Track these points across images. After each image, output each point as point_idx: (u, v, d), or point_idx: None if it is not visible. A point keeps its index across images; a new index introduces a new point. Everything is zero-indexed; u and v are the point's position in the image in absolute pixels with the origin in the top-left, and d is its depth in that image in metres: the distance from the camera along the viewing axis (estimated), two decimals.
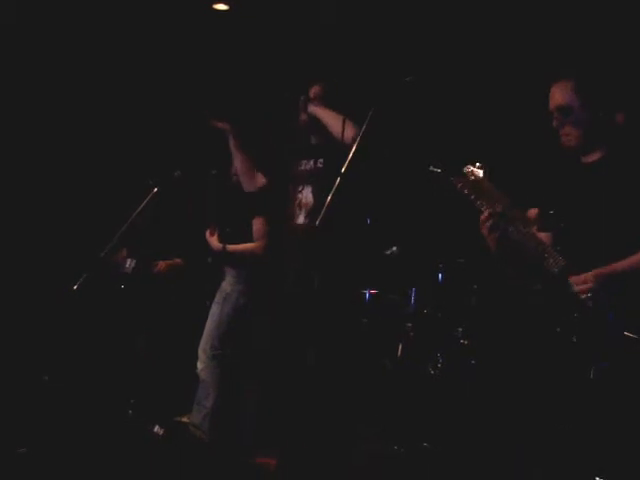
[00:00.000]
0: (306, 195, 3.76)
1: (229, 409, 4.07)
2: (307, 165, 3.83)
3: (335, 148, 3.45)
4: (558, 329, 2.78)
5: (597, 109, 2.87)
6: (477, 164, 2.86)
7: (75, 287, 3.88)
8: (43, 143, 5.40)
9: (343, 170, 2.93)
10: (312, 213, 3.65)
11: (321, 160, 3.76)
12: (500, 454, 3.27)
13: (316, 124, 3.70)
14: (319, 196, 3.64)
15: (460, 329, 4.14)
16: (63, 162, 5.44)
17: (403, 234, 4.44)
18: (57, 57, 5.31)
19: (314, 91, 3.84)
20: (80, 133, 5.50)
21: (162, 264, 4.61)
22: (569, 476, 2.75)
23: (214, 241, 4.17)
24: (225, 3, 5.38)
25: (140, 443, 3.85)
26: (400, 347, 4.31)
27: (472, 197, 2.89)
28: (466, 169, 2.86)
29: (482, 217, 2.83)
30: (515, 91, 4.30)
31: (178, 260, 4.68)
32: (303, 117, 3.78)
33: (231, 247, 4.08)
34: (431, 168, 3.12)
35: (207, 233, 4.23)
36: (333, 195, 2.88)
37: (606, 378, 2.64)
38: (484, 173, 2.85)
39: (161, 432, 3.63)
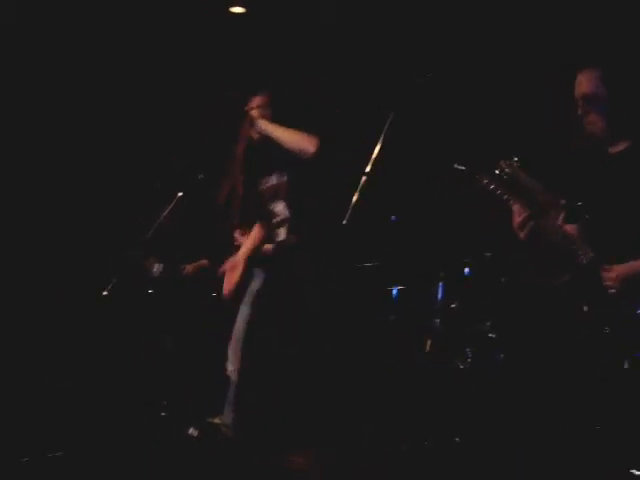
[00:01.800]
0: (282, 210, 3.69)
1: (256, 407, 4.08)
2: (269, 181, 3.75)
3: (295, 160, 3.42)
4: (590, 321, 2.77)
5: (622, 99, 2.86)
6: (514, 158, 2.86)
7: (105, 292, 3.92)
8: (64, 147, 5.41)
9: (368, 169, 2.94)
10: (294, 226, 3.62)
11: (284, 173, 3.66)
12: (530, 448, 3.26)
13: (268, 140, 3.60)
14: (295, 208, 3.61)
15: (488, 323, 4.13)
16: (89, 168, 5.48)
17: (429, 229, 4.43)
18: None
19: (257, 103, 3.74)
20: (105, 138, 5.52)
21: (189, 267, 4.65)
22: (606, 468, 2.74)
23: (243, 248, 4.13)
24: (241, 6, 5.37)
25: (174, 444, 3.90)
26: (429, 342, 4.30)
27: (499, 192, 2.90)
28: (502, 163, 2.86)
29: (516, 210, 2.82)
30: (536, 82, 4.28)
31: (204, 261, 4.72)
32: (254, 135, 3.67)
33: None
34: (455, 166, 3.13)
35: (236, 233, 4.21)
36: (359, 195, 2.89)
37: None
38: (520, 166, 2.84)
39: (196, 434, 3.67)
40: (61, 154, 5.40)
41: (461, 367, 4.11)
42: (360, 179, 2.94)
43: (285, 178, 3.67)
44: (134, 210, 5.09)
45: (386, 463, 3.73)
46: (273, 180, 3.73)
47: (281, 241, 3.67)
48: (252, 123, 3.65)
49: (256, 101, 3.74)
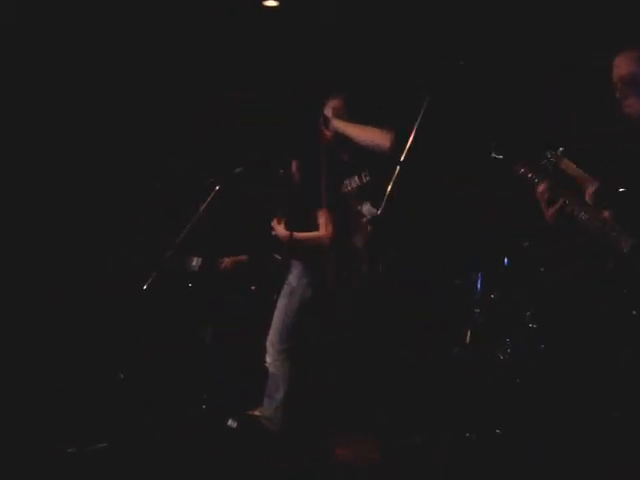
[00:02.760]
0: (369, 211, 3.74)
1: (301, 402, 4.10)
2: (352, 184, 3.82)
3: (373, 158, 3.42)
4: (634, 311, 2.72)
5: None
6: (560, 148, 2.84)
7: (145, 287, 3.96)
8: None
9: (402, 159, 2.93)
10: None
11: (365, 173, 3.73)
12: (573, 439, 3.23)
13: (343, 140, 3.66)
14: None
15: (528, 313, 4.08)
16: (129, 164, 5.52)
17: (467, 219, 4.39)
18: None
19: (333, 105, 3.81)
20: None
21: (228, 261, 4.68)
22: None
23: (281, 229, 4.16)
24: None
25: (215, 436, 3.93)
26: (469, 333, 4.27)
27: (535, 180, 2.87)
28: (548, 153, 2.84)
29: (539, 192, 2.80)
30: (571, 66, 4.21)
31: (243, 256, 4.74)
32: (328, 135, 3.75)
33: (298, 235, 4.08)
34: (493, 155, 3.10)
35: (274, 222, 4.23)
36: (393, 184, 2.88)
37: None
38: (565, 156, 2.82)
39: (235, 425, 3.69)
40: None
41: (501, 358, 4.08)
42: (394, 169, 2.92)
43: (368, 178, 3.71)
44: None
45: (427, 456, 3.72)
46: (356, 181, 3.78)
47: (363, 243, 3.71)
48: (327, 124, 3.72)
49: (331, 104, 3.83)
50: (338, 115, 3.79)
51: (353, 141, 3.62)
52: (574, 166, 2.85)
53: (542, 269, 4.11)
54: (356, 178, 3.79)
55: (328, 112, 3.82)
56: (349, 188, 3.84)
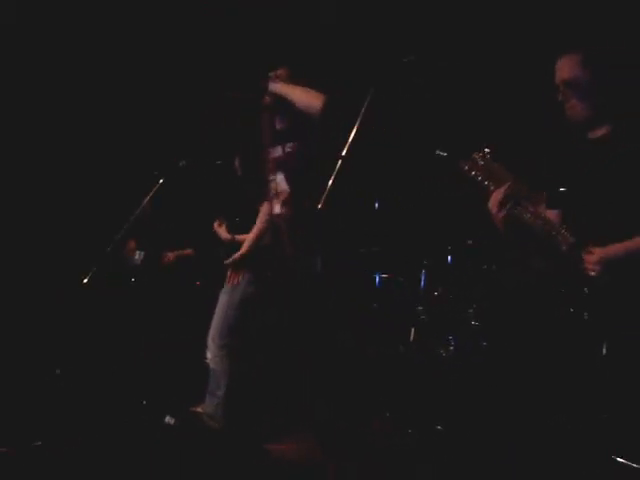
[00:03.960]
0: (279, 183, 3.70)
1: (241, 398, 4.06)
2: (275, 152, 3.76)
3: (303, 130, 3.38)
4: (570, 308, 2.76)
5: (603, 84, 2.83)
6: (486, 149, 2.85)
7: (85, 281, 3.89)
8: (46, 136, 5.38)
9: (344, 153, 2.90)
10: (288, 201, 3.62)
11: (290, 144, 3.68)
12: (513, 436, 3.25)
13: (280, 104, 3.59)
14: (293, 183, 3.60)
15: (471, 310, 4.12)
16: (68, 156, 5.43)
17: (411, 217, 4.41)
18: (56, 44, 5.26)
19: (279, 72, 3.74)
20: (83, 126, 5.48)
21: (171, 255, 4.61)
22: (585, 455, 2.73)
23: (223, 232, 4.14)
24: None
25: (154, 434, 3.87)
26: (412, 331, 4.29)
27: (479, 179, 2.89)
28: (475, 154, 2.85)
29: (491, 197, 2.82)
30: (518, 68, 4.24)
31: (187, 251, 4.68)
32: (266, 99, 3.67)
33: (240, 237, 4.05)
34: (437, 152, 3.11)
35: (215, 224, 4.20)
36: (334, 179, 2.85)
37: (618, 355, 2.61)
38: (492, 156, 2.83)
39: (172, 422, 3.64)
40: (39, 143, 5.35)
41: (443, 355, 4.10)
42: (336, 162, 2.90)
43: (291, 150, 3.67)
44: (115, 198, 5.05)
45: (370, 452, 3.72)
46: (279, 151, 3.72)
47: (275, 214, 3.67)
48: (266, 88, 3.62)
49: (279, 71, 3.73)
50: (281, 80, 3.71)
51: (288, 103, 3.53)
52: (497, 164, 2.86)
53: (485, 267, 4.15)
54: (280, 148, 3.73)
55: (271, 75, 3.74)
56: (271, 156, 3.77)
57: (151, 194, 4.15)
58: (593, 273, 2.68)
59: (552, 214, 2.90)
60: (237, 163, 4.26)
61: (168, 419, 3.66)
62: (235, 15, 5.21)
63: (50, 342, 4.66)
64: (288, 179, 3.64)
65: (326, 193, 2.78)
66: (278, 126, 3.78)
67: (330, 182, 2.80)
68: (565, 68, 2.88)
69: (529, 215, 2.81)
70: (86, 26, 5.24)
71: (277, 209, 3.69)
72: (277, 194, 3.68)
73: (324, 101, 3.36)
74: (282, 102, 3.57)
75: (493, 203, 2.82)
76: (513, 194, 2.79)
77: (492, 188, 2.87)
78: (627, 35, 3.70)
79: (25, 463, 3.41)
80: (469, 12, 4.49)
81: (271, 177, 3.72)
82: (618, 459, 2.65)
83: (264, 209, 4.02)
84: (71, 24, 5.20)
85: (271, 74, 3.71)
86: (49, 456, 3.48)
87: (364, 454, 3.65)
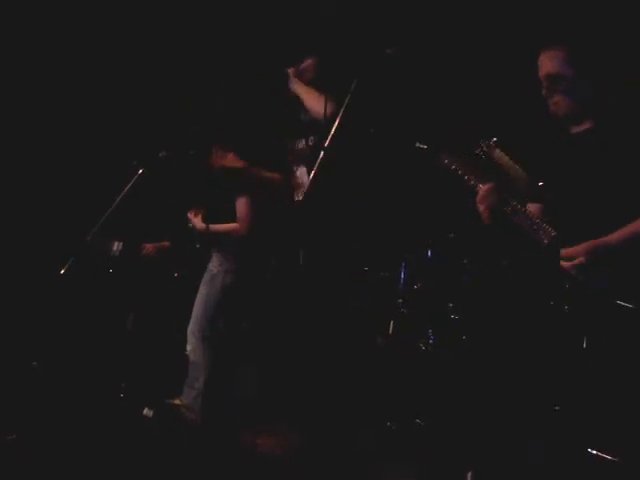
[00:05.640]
0: (301, 175, 3.76)
1: (220, 390, 4.05)
2: (299, 144, 3.82)
3: (321, 125, 3.41)
4: (550, 301, 2.77)
5: (587, 78, 2.84)
6: (494, 139, 2.86)
7: (62, 271, 3.84)
8: (23, 127, 5.31)
9: (326, 145, 2.88)
10: (307, 193, 3.64)
11: (312, 138, 3.73)
12: (494, 430, 3.27)
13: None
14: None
15: (451, 304, 4.12)
16: (46, 146, 5.37)
17: (392, 209, 4.40)
18: (35, 39, 5.22)
19: (305, 65, 3.81)
20: (61, 116, 5.41)
21: (150, 247, 4.57)
22: (564, 447, 2.74)
23: (198, 221, 4.12)
24: None
25: (132, 426, 3.84)
26: (392, 324, 4.29)
27: (460, 172, 2.89)
28: (481, 142, 2.86)
29: (479, 192, 2.83)
30: (501, 61, 4.25)
31: (166, 242, 4.64)
32: (290, 93, 3.75)
33: (214, 227, 4.04)
34: (417, 144, 3.11)
35: (191, 213, 4.17)
36: (316, 171, 2.84)
37: (599, 348, 2.63)
38: (497, 146, 2.85)
39: (150, 414, 3.63)
40: (17, 134, 5.28)
41: (423, 348, 4.11)
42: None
43: (313, 144, 3.72)
44: (94, 188, 5.00)
45: (350, 445, 3.72)
46: (302, 143, 3.79)
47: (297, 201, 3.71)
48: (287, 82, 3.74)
49: (304, 63, 3.81)
50: (304, 74, 3.79)
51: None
52: (506, 157, 2.87)
53: (465, 261, 4.16)
54: (303, 141, 3.80)
55: (293, 71, 3.83)
56: (297, 147, 3.83)
57: (130, 184, 4.11)
58: (573, 271, 2.69)
59: (534, 207, 2.91)
60: (214, 154, 4.24)
61: (146, 411, 3.64)
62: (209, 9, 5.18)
63: (26, 334, 4.61)
64: (309, 172, 3.65)
65: (308, 186, 2.76)
66: (303, 117, 3.81)
67: (312, 175, 2.79)
68: (549, 63, 2.88)
69: (510, 208, 2.82)
70: (63, 19, 5.20)
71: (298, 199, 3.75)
72: (299, 185, 3.70)
73: (330, 110, 3.39)
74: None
75: (481, 199, 2.83)
76: (501, 189, 2.80)
77: (472, 182, 2.88)
78: (611, 29, 3.71)
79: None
80: (450, 6, 4.49)
81: (295, 168, 3.78)
82: (593, 451, 2.67)
83: (243, 207, 4.00)
84: (46, 17, 5.16)
85: (289, 70, 3.79)
86: (25, 450, 3.45)
87: (341, 448, 3.65)
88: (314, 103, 3.54)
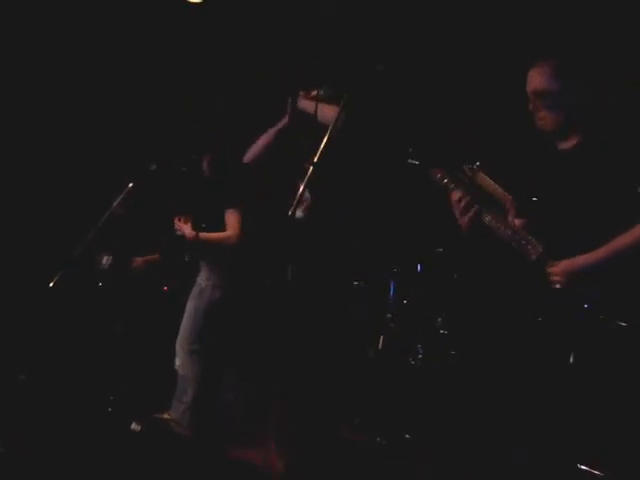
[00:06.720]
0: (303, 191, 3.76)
1: (208, 404, 4.04)
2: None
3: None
4: (539, 318, 2.78)
5: (573, 94, 2.86)
6: (477, 163, 2.88)
7: (51, 285, 3.84)
8: (14, 137, 5.29)
9: (316, 160, 2.89)
10: (310, 209, 3.70)
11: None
12: (483, 444, 3.27)
13: (305, 122, 3.70)
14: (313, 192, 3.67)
15: (440, 319, 4.13)
16: (37, 158, 5.36)
17: (382, 224, 4.41)
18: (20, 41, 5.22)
19: (314, 93, 3.85)
20: (53, 128, 5.41)
21: (139, 260, 4.56)
22: (552, 462, 2.74)
23: (187, 228, 4.07)
24: None
25: (120, 440, 3.82)
26: (381, 338, 4.29)
27: (452, 187, 2.90)
28: (465, 167, 2.88)
29: (454, 199, 2.84)
30: (489, 77, 4.27)
31: (156, 256, 4.63)
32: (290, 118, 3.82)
33: (204, 235, 4.02)
34: (409, 160, 3.12)
35: (179, 220, 4.12)
36: (305, 185, 2.85)
37: (586, 364, 2.64)
38: (481, 170, 2.87)
39: (138, 428, 3.61)
40: (8, 144, 5.27)
41: (412, 363, 4.11)
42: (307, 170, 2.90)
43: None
44: (84, 201, 4.99)
45: (339, 458, 3.71)
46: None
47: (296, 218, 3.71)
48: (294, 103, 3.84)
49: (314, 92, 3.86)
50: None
51: (313, 118, 3.69)
52: (490, 181, 2.89)
53: (455, 276, 4.17)
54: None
55: (301, 93, 3.90)
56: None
57: (121, 197, 4.11)
58: (557, 285, 2.70)
59: (519, 223, 2.92)
60: (205, 165, 4.24)
61: (134, 425, 3.63)
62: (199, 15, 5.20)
63: (15, 347, 4.59)
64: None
65: (297, 200, 2.77)
66: (306, 145, 3.83)
67: (301, 189, 2.80)
68: (536, 79, 2.90)
69: (496, 223, 2.83)
70: (63, 19, 5.21)
71: (299, 214, 3.71)
72: (300, 200, 3.72)
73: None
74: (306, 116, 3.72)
75: (455, 206, 2.85)
76: (478, 200, 2.82)
77: (458, 192, 2.90)
78: (598, 46, 3.74)
79: None
80: (441, 22, 4.52)
81: (296, 182, 3.78)
82: (581, 467, 2.68)
83: (232, 218, 4.00)
84: (46, 18, 5.17)
85: (301, 93, 3.86)
86: (12, 464, 3.43)
87: (330, 460, 3.64)
88: (329, 112, 3.53)
